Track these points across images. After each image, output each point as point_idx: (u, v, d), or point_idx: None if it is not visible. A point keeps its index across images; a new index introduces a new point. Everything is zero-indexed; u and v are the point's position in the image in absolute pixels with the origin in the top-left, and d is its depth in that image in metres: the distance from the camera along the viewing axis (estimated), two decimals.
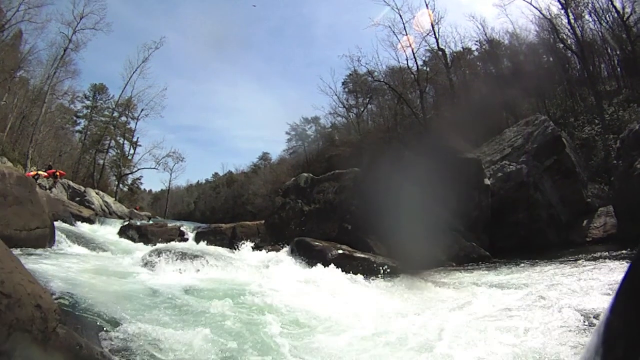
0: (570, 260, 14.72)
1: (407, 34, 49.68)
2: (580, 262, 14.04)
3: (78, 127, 69.29)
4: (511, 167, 21.37)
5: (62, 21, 50.07)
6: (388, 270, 14.77)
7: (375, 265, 15.13)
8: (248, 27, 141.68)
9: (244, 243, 18.95)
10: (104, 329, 6.14)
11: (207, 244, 19.27)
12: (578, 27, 39.63)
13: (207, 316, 7.81)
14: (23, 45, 49.40)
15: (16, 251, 10.52)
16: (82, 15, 50.70)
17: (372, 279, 13.87)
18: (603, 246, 17.33)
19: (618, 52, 39.52)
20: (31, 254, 11.97)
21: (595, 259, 14.23)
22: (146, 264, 13.05)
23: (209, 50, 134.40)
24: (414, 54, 50.09)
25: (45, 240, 14.23)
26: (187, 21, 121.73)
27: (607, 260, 13.70)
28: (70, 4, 51.04)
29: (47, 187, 33.87)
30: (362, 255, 15.96)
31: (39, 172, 33.80)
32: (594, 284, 10.13)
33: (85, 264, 12.30)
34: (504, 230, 20.09)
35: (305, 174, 23.35)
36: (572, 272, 12.30)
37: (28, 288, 4.44)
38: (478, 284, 12.04)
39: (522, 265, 15.20)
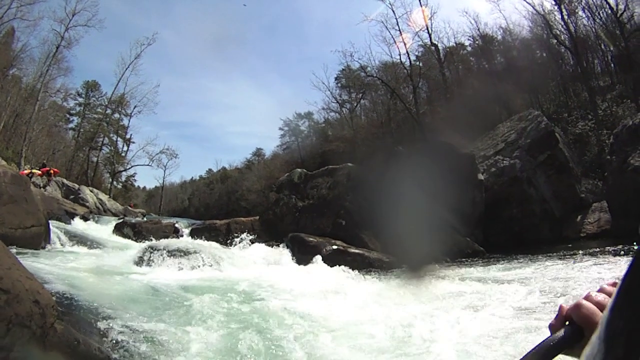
0: (567, 256, 14.58)
1: (400, 30, 49.80)
2: (578, 257, 13.91)
3: (71, 125, 68.69)
4: (505, 162, 21.41)
5: (55, 18, 49.86)
6: (383, 265, 14.82)
7: (370, 261, 15.22)
8: (241, 24, 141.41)
9: (239, 239, 18.97)
10: (100, 325, 6.13)
11: (202, 240, 19.24)
12: (571, 23, 39.69)
13: (202, 314, 7.74)
14: (15, 43, 49.19)
15: (11, 250, 10.56)
16: (74, 12, 50.52)
17: (369, 275, 13.80)
18: (597, 242, 17.31)
19: (611, 49, 39.59)
20: (27, 253, 11.99)
21: (593, 254, 14.09)
22: (141, 261, 13.16)
23: (202, 47, 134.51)
24: (406, 49, 50.20)
25: (41, 238, 14.25)
26: (180, 18, 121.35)
27: (606, 255, 13.62)
28: (63, 1, 50.81)
29: (42, 185, 33.85)
30: (357, 251, 16.08)
31: (33, 171, 33.82)
32: (604, 276, 10.01)
33: (80, 261, 12.36)
34: (498, 226, 20.12)
35: (299, 170, 23.36)
36: (574, 267, 12.16)
37: (26, 284, 4.48)
38: (484, 280, 11.73)
39: (521, 260, 15.04)
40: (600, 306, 0.98)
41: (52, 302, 4.76)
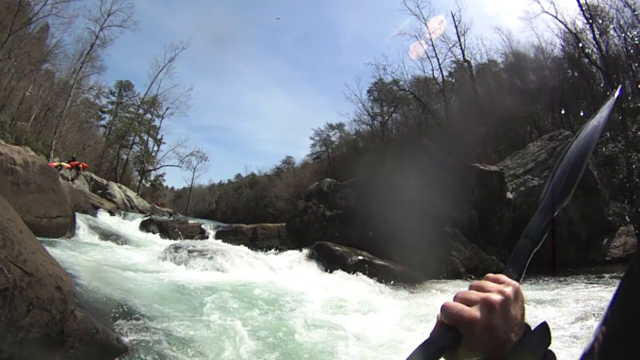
0: (595, 278, 14.43)
1: (433, 45, 49.87)
2: (605, 280, 13.77)
3: (103, 122, 69.76)
4: (534, 181, 21.16)
5: (90, 17, 50.22)
6: (409, 279, 14.68)
7: (395, 273, 15.01)
8: (274, 33, 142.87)
9: (265, 244, 19.01)
10: (120, 318, 6.18)
11: (227, 243, 19.28)
12: (603, 42, 39.37)
13: (226, 317, 7.64)
14: (49, 39, 49.78)
15: (37, 239, 10.62)
16: (109, 12, 50.83)
17: (395, 287, 13.73)
18: (623, 266, 17.00)
19: None
20: (51, 242, 12.10)
21: (620, 278, 13.86)
22: (165, 259, 13.19)
23: (235, 53, 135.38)
24: (439, 64, 50.43)
25: (66, 229, 14.44)
26: (214, 24, 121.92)
27: None
28: (98, 1, 51.24)
29: (70, 178, 34.18)
30: (382, 263, 15.86)
31: (62, 163, 34.22)
32: None
33: (104, 254, 12.50)
34: None
35: (329, 179, 23.39)
36: (604, 289, 11.85)
37: (50, 269, 4.54)
38: (530, 300, 11.07)
39: (548, 281, 14.86)
40: (467, 301, 0.98)
41: (74, 289, 4.83)
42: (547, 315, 9.04)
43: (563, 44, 44.05)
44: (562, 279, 15.05)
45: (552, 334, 0.96)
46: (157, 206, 50.63)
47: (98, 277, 8.23)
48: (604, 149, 31.13)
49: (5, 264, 3.93)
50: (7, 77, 40.30)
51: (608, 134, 33.44)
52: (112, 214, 25.76)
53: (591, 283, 13.51)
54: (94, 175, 43.47)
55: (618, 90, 1.54)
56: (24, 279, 4.07)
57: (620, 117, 33.97)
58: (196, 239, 19.92)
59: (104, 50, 53.74)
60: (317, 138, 79.65)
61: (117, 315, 6.26)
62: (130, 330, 5.90)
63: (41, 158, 22.54)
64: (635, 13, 37.85)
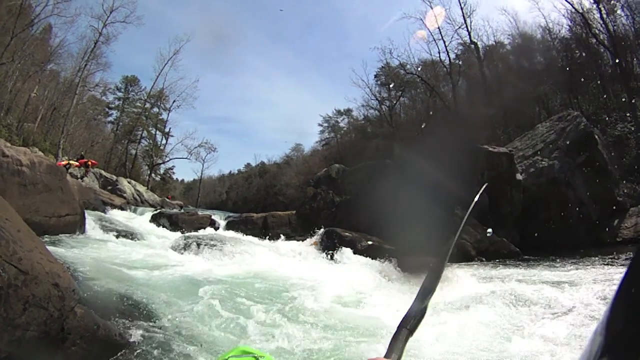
0: (608, 259, 14.30)
1: (439, 27, 49.81)
2: (620, 261, 13.68)
3: (110, 118, 69.97)
4: (543, 162, 21.01)
5: (92, 15, 50.13)
6: (419, 263, 14.63)
7: (405, 257, 14.92)
8: (280, 22, 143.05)
9: (276, 233, 19.09)
10: (125, 313, 6.12)
11: (238, 233, 19.35)
12: (610, 22, 39.07)
13: (234, 309, 7.60)
14: (53, 39, 49.87)
15: (45, 237, 10.64)
16: (112, 8, 50.65)
17: (406, 272, 13.66)
18: (634, 247, 16.88)
19: None
20: (60, 240, 12.17)
21: None
22: (175, 251, 13.38)
23: (241, 44, 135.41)
24: (446, 46, 50.59)
25: (75, 226, 14.50)
26: (218, 15, 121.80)
27: None
28: None
29: (79, 176, 34.26)
30: (392, 247, 15.86)
31: (71, 162, 34.22)
32: None
33: (113, 250, 12.53)
34: (534, 227, 19.66)
35: (337, 165, 23.63)
36: (622, 271, 11.72)
37: (47, 267, 4.52)
38: (534, 282, 11.00)
39: (561, 262, 14.71)
40: None
41: (74, 286, 4.83)
42: (578, 297, 8.70)
43: (570, 24, 43.96)
44: (574, 260, 14.94)
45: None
46: (167, 199, 51.08)
47: (104, 273, 8.23)
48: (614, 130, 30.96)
49: None
50: (11, 79, 40.50)
51: (617, 114, 33.17)
52: (122, 209, 26.12)
53: (606, 264, 13.46)
54: (103, 172, 43.75)
55: (482, 189, 1.76)
56: (19, 277, 4.07)
57: (628, 98, 33.72)
58: (206, 230, 19.99)
59: (108, 47, 53.83)
60: (326, 124, 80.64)
61: (122, 310, 6.24)
62: (134, 326, 5.84)
63: (49, 158, 22.64)
64: None
